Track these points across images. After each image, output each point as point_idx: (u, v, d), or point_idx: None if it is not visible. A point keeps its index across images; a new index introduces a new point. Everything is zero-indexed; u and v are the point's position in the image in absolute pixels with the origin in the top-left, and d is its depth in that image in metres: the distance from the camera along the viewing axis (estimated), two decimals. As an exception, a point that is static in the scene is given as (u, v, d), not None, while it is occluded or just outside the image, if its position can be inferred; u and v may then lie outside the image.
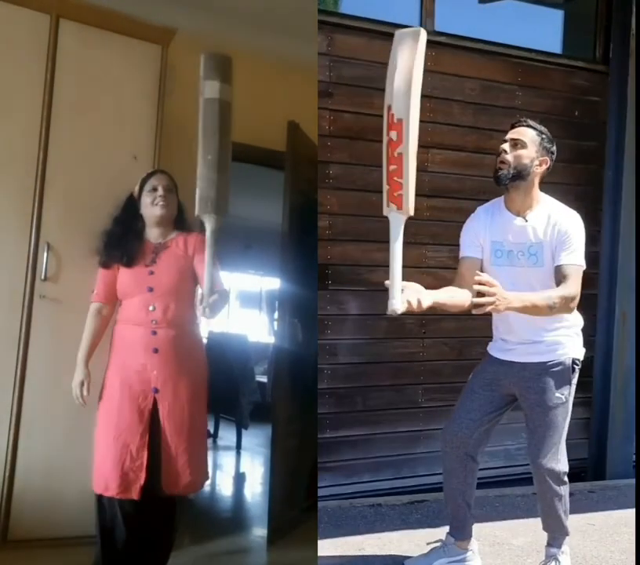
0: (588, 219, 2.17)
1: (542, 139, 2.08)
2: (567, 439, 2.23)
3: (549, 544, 2.27)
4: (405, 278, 2.56)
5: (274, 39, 3.46)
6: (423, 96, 2.59)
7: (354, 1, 3.00)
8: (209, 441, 5.24)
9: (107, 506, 2.19)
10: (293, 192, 3.09)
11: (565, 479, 2.20)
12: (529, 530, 2.57)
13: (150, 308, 2.23)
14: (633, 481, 3.28)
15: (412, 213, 1.73)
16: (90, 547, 2.27)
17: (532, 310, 1.94)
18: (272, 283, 8.48)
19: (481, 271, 2.09)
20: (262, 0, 3.20)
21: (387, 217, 1.80)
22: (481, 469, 2.50)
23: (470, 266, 2.10)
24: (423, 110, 2.57)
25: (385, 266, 2.45)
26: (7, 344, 2.54)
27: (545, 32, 3.39)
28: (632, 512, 2.60)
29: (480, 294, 1.83)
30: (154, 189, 2.30)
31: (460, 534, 2.27)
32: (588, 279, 2.09)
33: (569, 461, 2.25)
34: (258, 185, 4.69)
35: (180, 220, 2.38)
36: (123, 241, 2.33)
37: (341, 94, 2.98)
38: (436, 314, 2.89)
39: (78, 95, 2.70)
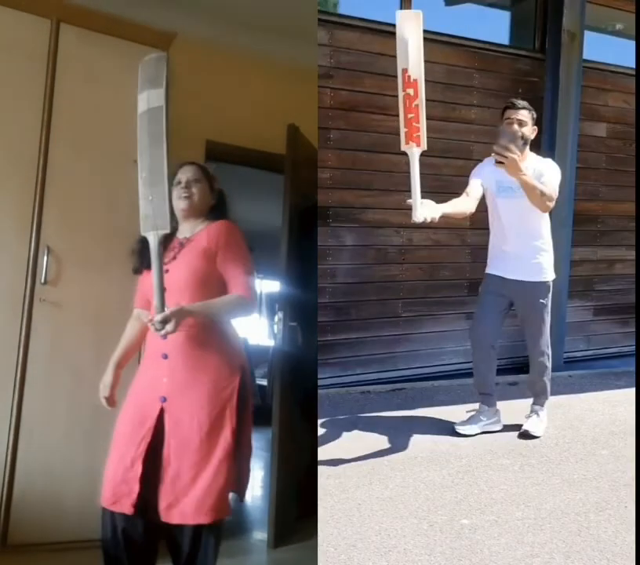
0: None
1: (532, 114, 2.71)
2: (514, 341, 3.46)
3: (534, 403, 2.98)
4: (387, 217, 3.77)
5: (275, 42, 3.44)
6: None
7: (349, 3, 3.60)
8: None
9: (108, 518, 2.00)
10: (293, 195, 3.08)
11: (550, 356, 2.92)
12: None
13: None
14: (562, 373, 3.96)
15: (426, 147, 2.21)
16: (90, 551, 2.16)
17: (528, 187, 2.47)
18: (272, 286, 8.47)
19: (486, 203, 2.74)
20: (262, 3, 3.20)
21: (374, 171, 3.43)
22: (445, 364, 3.85)
23: (475, 186, 2.69)
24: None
25: (373, 208, 3.75)
26: (7, 347, 2.49)
27: (497, 28, 4.22)
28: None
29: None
30: (179, 182, 2.14)
31: (491, 401, 2.94)
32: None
33: (509, 358, 3.67)
34: (258, 188, 4.69)
35: (215, 210, 2.21)
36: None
37: (339, 76, 3.55)
38: (412, 245, 3.83)
39: (79, 99, 2.66)
